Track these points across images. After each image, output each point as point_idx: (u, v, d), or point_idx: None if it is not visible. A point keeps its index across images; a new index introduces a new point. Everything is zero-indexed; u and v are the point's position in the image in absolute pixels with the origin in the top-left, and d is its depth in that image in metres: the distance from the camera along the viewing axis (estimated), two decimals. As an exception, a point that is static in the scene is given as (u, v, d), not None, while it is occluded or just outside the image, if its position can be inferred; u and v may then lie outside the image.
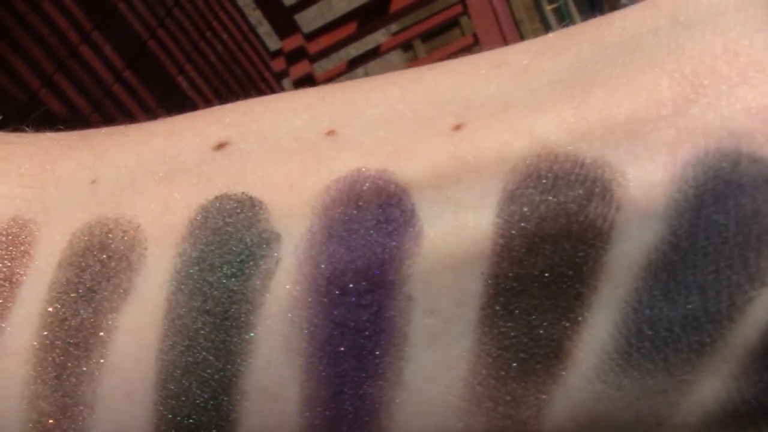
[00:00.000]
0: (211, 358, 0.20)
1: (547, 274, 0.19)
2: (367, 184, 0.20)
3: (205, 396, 0.20)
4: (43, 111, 1.59)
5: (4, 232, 0.21)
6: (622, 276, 0.18)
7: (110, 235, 0.21)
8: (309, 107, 0.22)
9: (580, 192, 0.18)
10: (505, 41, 2.42)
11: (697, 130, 0.18)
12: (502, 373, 0.19)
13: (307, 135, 0.21)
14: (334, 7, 4.04)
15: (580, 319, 0.19)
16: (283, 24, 2.59)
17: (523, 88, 0.20)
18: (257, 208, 0.20)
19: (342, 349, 0.19)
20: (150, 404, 0.20)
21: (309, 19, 3.10)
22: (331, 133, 0.21)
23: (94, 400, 0.20)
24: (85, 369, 0.20)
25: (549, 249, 0.18)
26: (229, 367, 0.20)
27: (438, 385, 0.19)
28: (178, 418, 0.20)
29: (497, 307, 0.19)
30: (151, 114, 2.16)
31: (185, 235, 0.20)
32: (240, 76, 2.84)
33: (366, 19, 2.56)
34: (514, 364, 0.19)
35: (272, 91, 3.01)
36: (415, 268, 0.19)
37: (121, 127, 0.24)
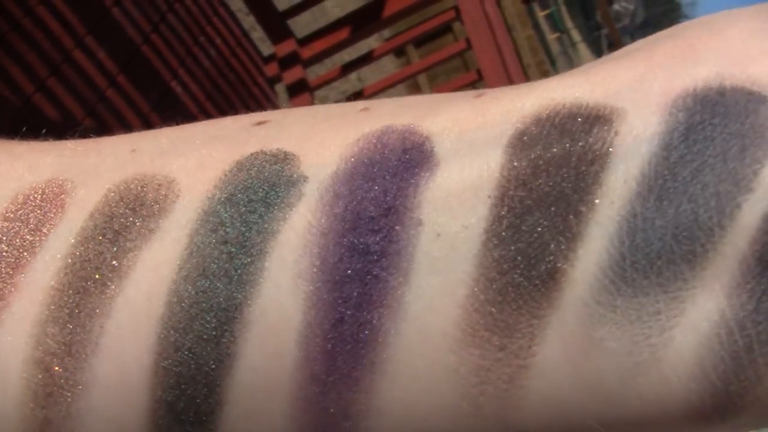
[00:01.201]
0: (220, 286, 0.20)
1: (549, 196, 0.19)
2: (395, 135, 0.21)
3: (210, 326, 0.20)
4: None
5: (40, 190, 0.22)
6: (618, 190, 0.19)
7: (145, 188, 0.22)
8: (347, 101, 0.24)
9: (583, 124, 0.20)
10: (497, 47, 2.43)
11: (688, 75, 0.20)
12: (500, 298, 0.19)
13: (344, 111, 0.23)
14: (327, 13, 4.05)
15: (576, 235, 0.19)
16: (277, 29, 2.59)
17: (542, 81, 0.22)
18: (289, 159, 0.21)
19: (349, 272, 0.20)
20: (154, 338, 0.20)
21: (302, 25, 3.10)
22: (365, 109, 0.23)
23: (101, 335, 0.21)
24: (97, 305, 0.21)
25: (553, 171, 0.20)
26: (237, 295, 0.20)
27: (436, 313, 0.20)
28: (179, 353, 0.20)
29: (500, 230, 0.20)
30: (144, 119, 2.16)
31: (217, 184, 0.21)
32: (233, 81, 2.84)
33: (359, 24, 2.56)
34: (511, 289, 0.19)
35: (265, 96, 3.01)
36: (427, 194, 0.20)
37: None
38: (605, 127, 0.20)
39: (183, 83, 2.48)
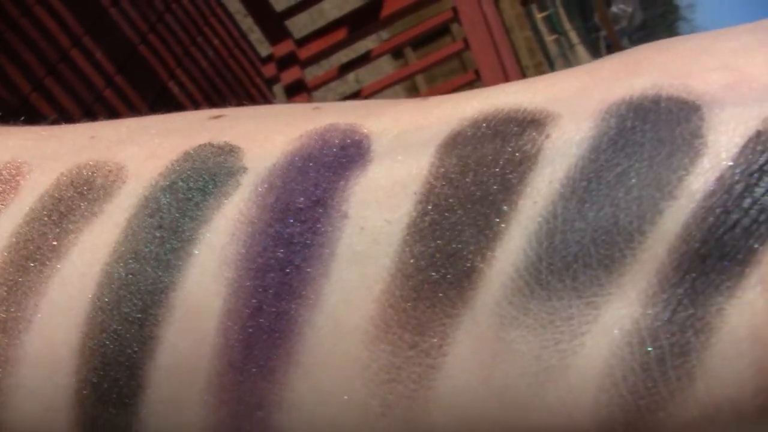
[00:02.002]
0: (149, 269, 0.20)
1: (474, 194, 0.19)
2: (337, 134, 0.21)
3: (135, 308, 0.20)
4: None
5: None
6: (543, 191, 0.19)
7: (95, 174, 0.22)
8: (315, 103, 0.24)
9: (516, 127, 0.20)
10: (495, 48, 2.43)
11: (626, 86, 0.20)
12: (414, 295, 0.19)
13: (296, 109, 0.24)
14: (325, 14, 4.05)
15: (496, 235, 0.19)
16: (274, 30, 2.59)
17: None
18: (234, 151, 0.22)
19: (271, 261, 0.20)
20: (83, 317, 0.21)
21: (300, 25, 3.10)
22: (317, 108, 0.23)
23: (35, 313, 0.21)
24: (34, 283, 0.21)
25: (481, 170, 0.20)
26: (164, 278, 0.20)
27: (351, 307, 0.20)
28: (104, 334, 0.20)
29: (422, 226, 0.19)
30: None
31: (163, 172, 0.22)
32: (231, 82, 2.84)
33: (357, 25, 2.56)
34: (426, 285, 0.19)
35: (263, 96, 3.01)
36: (356, 188, 0.20)
37: None
38: (537, 130, 0.20)
39: (180, 83, 2.47)
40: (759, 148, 0.18)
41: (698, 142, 0.18)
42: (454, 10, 2.54)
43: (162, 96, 2.35)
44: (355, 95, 2.92)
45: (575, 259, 0.18)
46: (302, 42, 2.59)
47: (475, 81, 2.85)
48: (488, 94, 0.21)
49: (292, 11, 2.61)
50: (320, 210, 0.20)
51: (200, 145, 0.22)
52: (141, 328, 0.20)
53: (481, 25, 2.44)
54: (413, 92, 5.52)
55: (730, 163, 0.18)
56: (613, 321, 0.18)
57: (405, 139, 0.21)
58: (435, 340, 0.19)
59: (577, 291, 0.18)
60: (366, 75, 4.51)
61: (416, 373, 0.19)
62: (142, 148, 0.23)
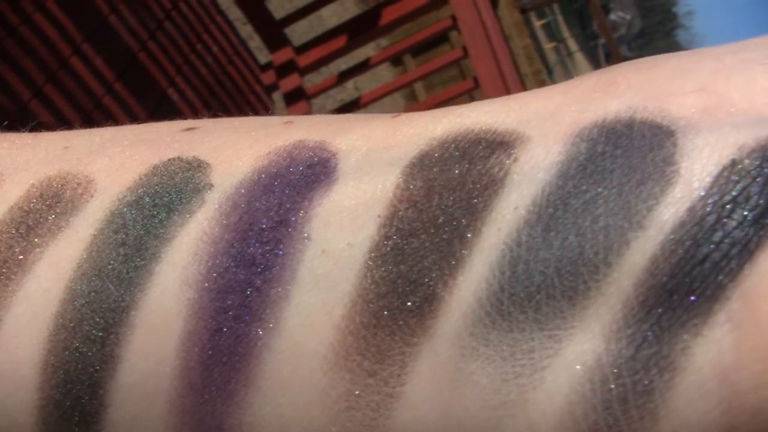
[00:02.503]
0: (111, 287, 0.20)
1: (438, 219, 0.19)
2: (305, 151, 0.21)
3: (98, 326, 0.20)
4: (34, 123, 1.59)
5: None
6: (507, 217, 0.18)
7: (64, 186, 0.22)
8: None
9: (485, 148, 0.19)
10: (494, 55, 2.43)
11: (600, 108, 0.19)
12: (374, 321, 0.19)
13: (268, 123, 0.23)
14: (324, 21, 4.06)
15: (459, 262, 0.18)
16: (274, 37, 2.59)
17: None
18: (202, 167, 0.22)
19: (231, 283, 0.20)
20: (46, 334, 0.20)
21: (299, 33, 3.11)
22: (288, 122, 0.23)
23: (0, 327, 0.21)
24: (0, 297, 0.21)
25: (445, 193, 0.19)
26: (126, 297, 0.20)
27: (311, 332, 0.19)
28: (67, 352, 0.20)
29: (384, 251, 0.19)
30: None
31: (131, 186, 0.22)
32: (230, 89, 2.84)
33: (356, 32, 2.57)
34: (387, 313, 0.19)
35: (262, 103, 3.01)
36: (319, 209, 0.20)
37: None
38: (506, 153, 0.19)
39: (180, 90, 2.48)
40: (733, 177, 0.17)
41: (670, 170, 0.18)
42: (453, 17, 2.54)
43: (161, 103, 2.36)
44: (354, 102, 2.92)
45: (538, 289, 0.18)
46: (301, 49, 2.59)
47: (473, 88, 2.85)
48: (461, 112, 0.21)
49: (291, 19, 2.61)
50: (282, 231, 0.20)
51: (169, 159, 0.22)
52: (102, 347, 0.20)
53: (479, 33, 2.44)
54: (412, 99, 5.53)
55: (703, 193, 0.17)
56: (575, 356, 0.18)
57: (372, 158, 0.20)
58: (394, 368, 0.19)
59: (539, 323, 0.18)
60: (365, 82, 4.51)
61: (375, 401, 0.19)
62: (112, 161, 0.23)
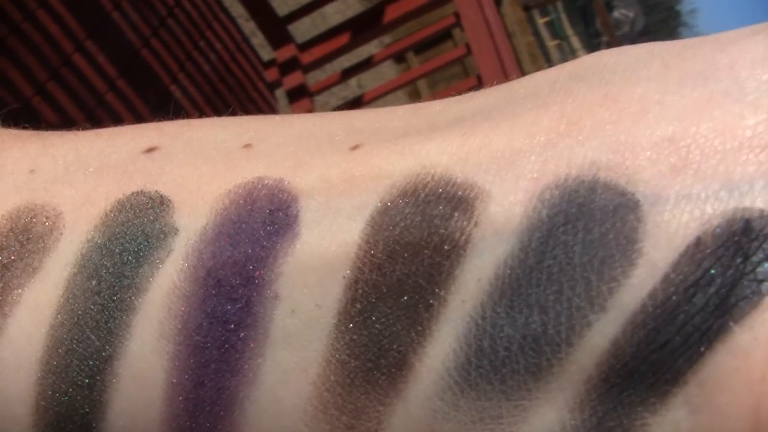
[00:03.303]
0: (93, 337, 0.21)
1: (403, 284, 0.19)
2: (264, 191, 0.21)
3: (83, 374, 0.21)
4: (35, 119, 1.59)
5: None
6: (471, 289, 0.19)
7: (34, 220, 0.22)
8: (238, 124, 0.24)
9: (446, 207, 0.19)
10: (497, 53, 2.43)
11: (563, 160, 0.19)
12: (348, 381, 0.19)
13: (227, 146, 0.23)
14: (327, 18, 4.06)
15: (426, 331, 0.19)
16: (277, 34, 2.59)
17: (426, 123, 0.22)
18: (165, 205, 0.22)
19: (208, 340, 0.20)
20: (34, 378, 0.21)
21: (302, 30, 3.10)
22: (247, 146, 0.23)
23: None
24: None
25: (408, 258, 0.19)
26: (107, 347, 0.21)
27: (289, 387, 0.20)
28: (57, 395, 0.21)
29: (353, 313, 0.19)
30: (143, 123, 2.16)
31: (98, 225, 0.22)
32: (233, 86, 2.84)
33: (359, 30, 2.56)
34: (360, 374, 0.19)
35: (265, 101, 3.01)
36: (285, 267, 0.20)
37: (78, 131, 0.26)
38: (466, 215, 0.19)
39: (182, 87, 2.48)
40: (697, 257, 0.17)
41: (633, 249, 0.17)
42: (456, 15, 2.54)
43: (164, 100, 2.36)
44: (357, 100, 2.92)
45: (503, 364, 0.18)
46: (305, 47, 2.59)
47: (476, 86, 2.85)
48: (419, 150, 0.20)
49: (294, 16, 2.61)
50: (252, 288, 0.20)
51: (133, 194, 0.22)
52: (91, 392, 0.21)
53: (483, 30, 2.44)
54: (415, 97, 5.53)
55: (665, 275, 0.17)
56: (542, 424, 0.18)
57: (332, 206, 0.20)
58: (370, 424, 0.19)
59: (505, 393, 0.18)
60: (368, 79, 4.51)
61: None
62: (77, 192, 0.23)
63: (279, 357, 0.20)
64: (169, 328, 0.20)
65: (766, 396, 0.16)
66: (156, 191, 0.22)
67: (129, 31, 2.27)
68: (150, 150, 0.24)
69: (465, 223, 0.19)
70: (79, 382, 0.21)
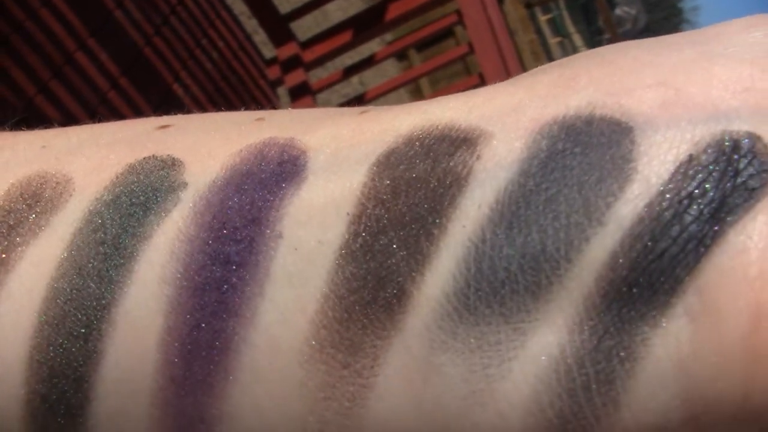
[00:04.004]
0: (92, 285, 0.21)
1: (405, 216, 0.19)
2: (275, 148, 0.22)
3: (80, 324, 0.21)
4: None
5: None
6: (471, 215, 0.19)
7: (44, 186, 0.23)
8: (254, 111, 0.25)
9: (450, 147, 0.20)
10: (499, 51, 2.43)
11: (560, 104, 0.20)
12: (346, 316, 0.19)
13: (240, 120, 0.24)
14: (329, 16, 4.06)
15: (426, 259, 0.19)
16: (279, 32, 2.59)
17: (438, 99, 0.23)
18: (176, 165, 0.22)
19: (208, 280, 0.20)
20: (30, 331, 0.21)
21: (304, 28, 3.11)
22: (260, 119, 0.24)
23: None
24: None
25: (412, 192, 0.20)
26: (107, 295, 0.21)
27: (287, 326, 0.20)
28: (51, 348, 0.21)
29: (354, 248, 0.20)
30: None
31: (108, 186, 0.22)
32: (235, 84, 2.84)
33: (361, 28, 2.56)
34: (358, 307, 0.19)
35: (267, 98, 3.01)
36: (290, 207, 0.20)
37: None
38: (469, 151, 0.20)
39: (185, 86, 2.48)
40: (690, 173, 0.18)
41: (629, 167, 0.18)
42: (459, 13, 2.54)
43: (167, 98, 2.36)
44: (360, 98, 2.92)
45: (502, 285, 0.18)
46: (307, 44, 2.59)
47: (478, 84, 2.85)
48: (426, 108, 0.21)
49: (296, 14, 2.61)
50: (255, 229, 0.20)
51: (145, 158, 0.23)
52: (86, 343, 0.21)
53: (485, 28, 2.44)
54: (417, 95, 5.52)
55: (660, 189, 0.18)
56: (540, 347, 0.18)
57: (340, 156, 0.21)
58: (367, 360, 0.19)
59: (504, 317, 0.18)
60: (370, 77, 4.51)
61: (350, 392, 0.19)
62: (89, 160, 0.23)
63: (278, 296, 0.20)
64: (171, 272, 0.21)
65: (764, 291, 0.17)
66: (168, 155, 0.22)
67: (131, 29, 2.27)
68: (164, 127, 0.24)
69: (467, 156, 0.20)
70: (75, 333, 0.21)
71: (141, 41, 2.31)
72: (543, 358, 0.18)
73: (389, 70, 5.27)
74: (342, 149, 0.21)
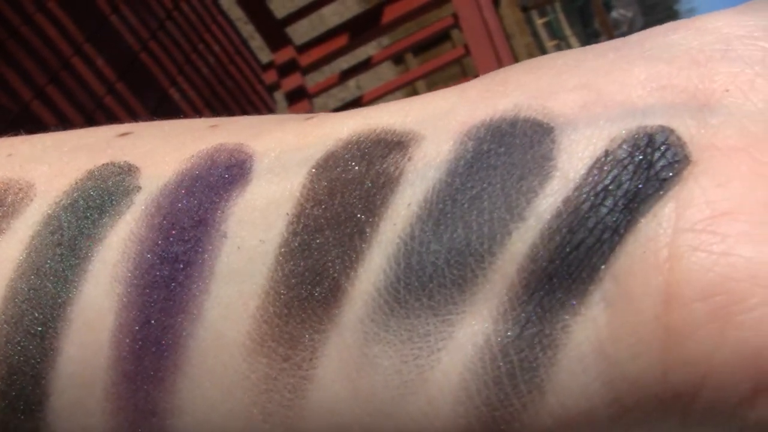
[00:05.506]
0: (49, 285, 0.22)
1: (342, 215, 0.21)
2: (224, 153, 0.23)
3: (36, 322, 0.22)
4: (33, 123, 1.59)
5: None
6: (402, 213, 0.20)
7: (6, 192, 0.24)
8: (210, 118, 0.26)
9: (383, 149, 0.21)
10: (496, 54, 2.43)
11: (489, 107, 0.21)
12: (286, 311, 0.20)
13: (196, 127, 0.25)
14: (325, 20, 4.06)
15: (359, 256, 0.20)
16: (275, 36, 2.59)
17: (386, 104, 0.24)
18: (132, 171, 0.23)
19: (157, 279, 0.21)
20: None
21: (300, 32, 3.11)
22: (214, 126, 0.25)
23: None
24: None
25: (347, 192, 0.21)
26: (63, 294, 0.22)
27: (231, 321, 0.21)
28: (9, 346, 0.22)
29: (293, 246, 0.21)
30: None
31: (67, 190, 0.23)
32: (232, 89, 2.84)
33: (357, 31, 2.56)
34: (297, 302, 0.20)
35: (264, 103, 3.02)
36: (234, 209, 0.21)
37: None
38: (401, 153, 0.21)
39: (181, 90, 2.48)
40: (606, 167, 0.19)
41: (548, 165, 0.19)
42: (455, 16, 2.54)
43: (163, 103, 2.36)
44: (356, 101, 2.92)
45: (430, 279, 0.19)
46: (303, 48, 2.59)
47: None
48: (367, 113, 0.22)
49: (292, 18, 2.61)
50: (202, 230, 0.21)
51: (103, 164, 0.23)
52: (42, 341, 0.21)
53: (481, 31, 2.44)
54: (414, 98, 5.52)
55: (578, 184, 0.19)
56: (467, 337, 0.19)
57: (284, 159, 0.22)
58: (306, 353, 0.20)
59: (433, 309, 0.19)
60: (367, 81, 4.51)
61: (291, 384, 0.20)
62: (51, 167, 0.24)
63: (222, 292, 0.21)
64: (122, 271, 0.21)
65: (674, 272, 0.17)
66: (125, 161, 0.23)
67: (127, 34, 2.27)
68: (124, 134, 0.25)
69: (400, 158, 0.21)
70: (32, 331, 0.21)
71: (137, 46, 2.31)
72: (470, 347, 0.19)
73: (386, 73, 5.27)
74: (285, 153, 0.22)
